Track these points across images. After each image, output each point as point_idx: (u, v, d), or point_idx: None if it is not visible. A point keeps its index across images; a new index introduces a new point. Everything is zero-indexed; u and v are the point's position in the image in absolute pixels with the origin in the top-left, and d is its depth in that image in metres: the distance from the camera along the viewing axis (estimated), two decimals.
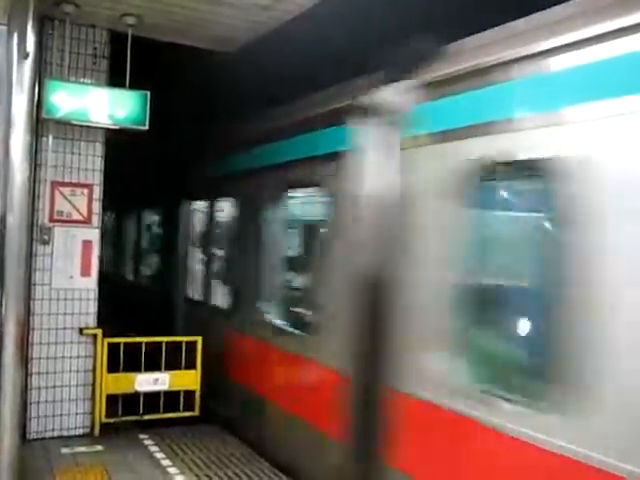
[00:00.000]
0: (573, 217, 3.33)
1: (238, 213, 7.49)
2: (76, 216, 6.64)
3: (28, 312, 6.17)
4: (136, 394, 6.89)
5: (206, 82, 9.24)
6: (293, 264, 7.00)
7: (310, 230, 6.80)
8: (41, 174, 6.47)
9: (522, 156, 3.72)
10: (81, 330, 6.65)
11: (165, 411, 7.05)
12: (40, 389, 6.51)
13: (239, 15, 6.07)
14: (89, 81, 6.63)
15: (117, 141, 6.93)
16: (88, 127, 6.50)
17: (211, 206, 8.47)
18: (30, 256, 5.99)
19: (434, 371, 4.18)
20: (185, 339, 7.24)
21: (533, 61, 3.70)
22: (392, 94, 4.93)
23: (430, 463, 4.20)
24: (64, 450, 6.22)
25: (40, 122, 6.11)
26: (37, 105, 5.85)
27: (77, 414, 6.68)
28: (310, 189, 6.29)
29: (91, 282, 6.73)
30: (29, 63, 5.21)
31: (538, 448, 3.40)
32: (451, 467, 4.03)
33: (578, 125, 3.40)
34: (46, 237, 6.50)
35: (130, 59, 6.42)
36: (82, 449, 6.29)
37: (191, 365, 7.15)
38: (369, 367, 4.79)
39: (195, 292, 8.85)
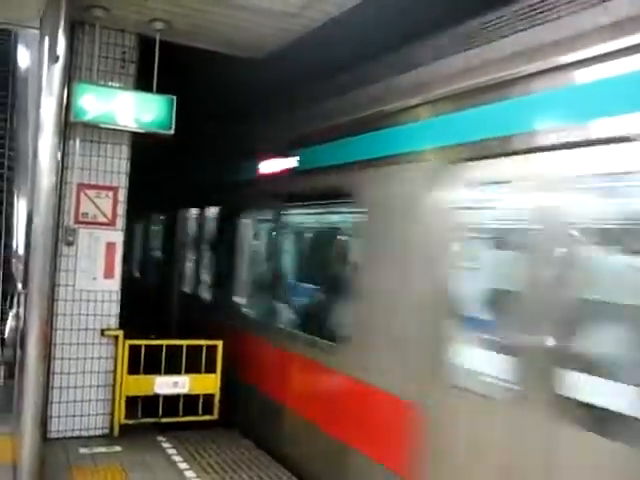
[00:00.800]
0: None
1: None
2: (101, 218, 6.71)
3: (51, 312, 6.25)
4: (155, 396, 6.94)
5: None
6: None
7: None
8: (67, 176, 6.55)
9: None
10: (103, 331, 6.71)
11: (184, 414, 7.08)
12: (61, 389, 6.58)
13: (266, 22, 6.10)
14: (117, 85, 6.70)
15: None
16: (115, 130, 6.57)
17: None
18: (55, 257, 6.07)
19: None
20: (205, 343, 7.26)
21: None
22: None
23: None
24: (83, 450, 6.27)
25: (68, 125, 6.19)
26: (65, 108, 5.95)
27: (97, 415, 6.74)
28: None
29: (114, 284, 6.78)
30: (59, 66, 5.28)
31: None
32: None
33: None
34: (71, 238, 6.58)
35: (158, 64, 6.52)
36: (101, 449, 6.34)
37: (211, 369, 7.19)
38: None
39: None
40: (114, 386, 6.75)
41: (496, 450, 3.80)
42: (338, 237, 6.79)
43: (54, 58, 5.25)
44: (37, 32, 6.57)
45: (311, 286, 7.39)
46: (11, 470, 5.39)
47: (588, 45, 3.50)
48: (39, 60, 6.60)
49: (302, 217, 7.62)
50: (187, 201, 10.63)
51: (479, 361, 4.24)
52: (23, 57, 11.84)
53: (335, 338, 5.75)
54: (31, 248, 5.41)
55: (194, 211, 10.42)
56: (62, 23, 5.21)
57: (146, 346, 6.94)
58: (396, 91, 5.20)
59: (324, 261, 6.95)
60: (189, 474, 5.86)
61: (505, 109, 4.07)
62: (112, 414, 6.76)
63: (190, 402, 7.12)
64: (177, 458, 6.26)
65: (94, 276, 6.71)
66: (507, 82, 4.03)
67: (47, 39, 5.24)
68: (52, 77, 5.28)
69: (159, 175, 12.29)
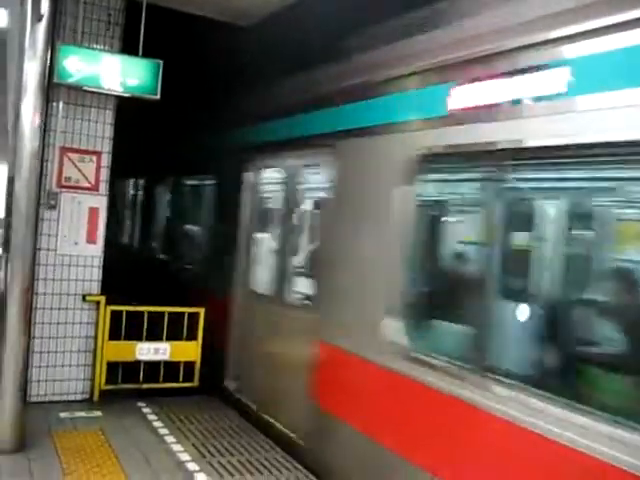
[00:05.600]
0: None
1: None
2: (84, 183, 6.64)
3: (32, 277, 6.19)
4: (136, 363, 6.95)
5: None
6: None
7: None
8: (50, 139, 6.45)
9: None
10: (84, 297, 6.68)
11: (164, 381, 7.11)
12: (42, 353, 6.55)
13: None
14: (102, 48, 6.58)
15: None
16: (99, 94, 6.47)
17: None
18: (36, 221, 6.00)
19: None
20: (187, 310, 7.26)
21: None
22: None
23: None
24: (63, 414, 6.27)
25: (51, 87, 6.08)
26: (49, 69, 5.83)
27: (77, 380, 6.73)
28: None
29: (96, 249, 6.74)
30: (43, 26, 5.18)
31: None
32: None
33: None
34: (53, 202, 6.51)
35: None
36: (81, 414, 6.35)
37: (192, 336, 7.21)
38: None
39: None
40: (95, 351, 6.74)
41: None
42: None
43: (38, 17, 5.15)
44: None
45: None
46: None
47: None
48: (22, 19, 6.44)
49: None
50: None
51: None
52: (1, 17, 11.53)
53: None
54: (12, 212, 5.35)
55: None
56: None
57: (127, 312, 6.93)
58: None
59: None
60: (169, 439, 5.89)
61: None
62: (92, 379, 6.76)
63: (171, 369, 7.14)
64: (157, 424, 6.29)
65: (76, 241, 6.65)
66: None
67: None
68: (35, 36, 5.19)
69: None
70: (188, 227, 10.26)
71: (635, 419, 3.05)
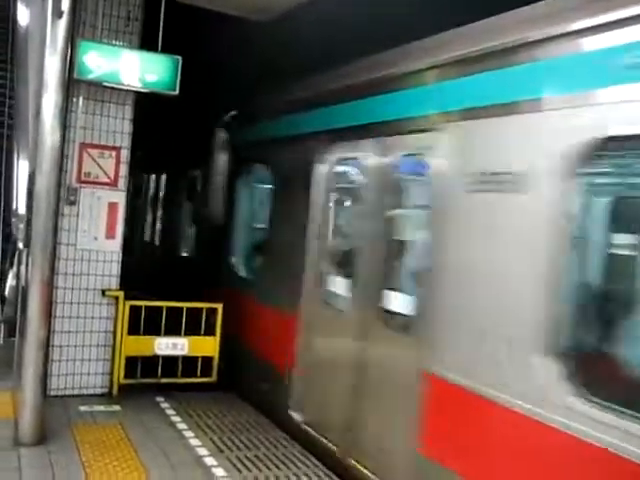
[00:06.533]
0: None
1: None
2: (103, 178, 6.67)
3: (53, 271, 6.25)
4: (155, 357, 6.98)
5: None
6: None
7: None
8: (70, 135, 6.48)
9: None
10: (104, 292, 6.72)
11: (182, 376, 7.14)
12: (62, 347, 6.60)
13: None
14: (121, 44, 6.61)
15: None
16: (119, 90, 6.50)
17: None
18: (57, 216, 6.05)
19: None
20: (206, 305, 7.28)
21: None
22: None
23: None
24: (82, 408, 6.32)
25: (71, 83, 6.11)
26: (69, 65, 5.87)
27: (97, 374, 6.77)
28: None
29: (115, 244, 6.77)
30: (63, 22, 5.21)
31: None
32: None
33: None
34: (73, 198, 6.55)
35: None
36: (100, 408, 6.39)
37: (210, 332, 7.23)
38: None
39: None
40: (114, 346, 6.78)
41: None
42: None
43: (58, 13, 5.18)
44: None
45: None
46: (13, 425, 5.46)
47: None
48: (41, 16, 6.50)
49: None
50: None
51: None
52: (22, 14, 11.65)
53: None
54: (34, 207, 5.40)
55: None
56: None
57: (146, 307, 6.96)
58: None
59: None
60: (188, 434, 5.91)
61: None
62: (111, 374, 6.80)
63: (189, 364, 7.17)
64: (176, 418, 6.32)
65: (95, 236, 6.69)
66: None
67: None
68: (56, 33, 5.21)
69: None
70: None
71: None
